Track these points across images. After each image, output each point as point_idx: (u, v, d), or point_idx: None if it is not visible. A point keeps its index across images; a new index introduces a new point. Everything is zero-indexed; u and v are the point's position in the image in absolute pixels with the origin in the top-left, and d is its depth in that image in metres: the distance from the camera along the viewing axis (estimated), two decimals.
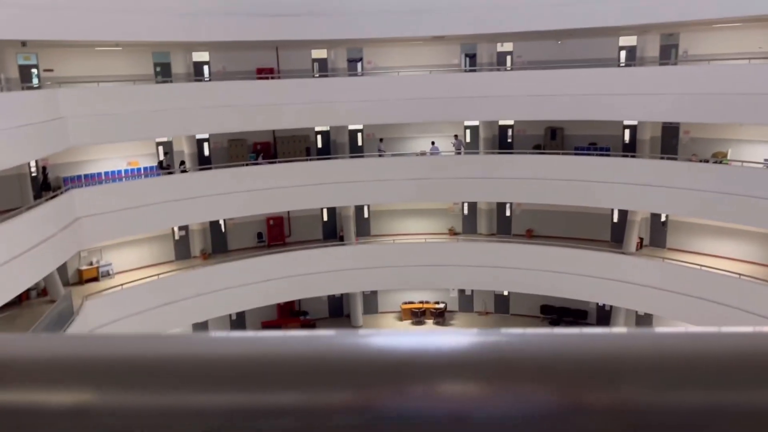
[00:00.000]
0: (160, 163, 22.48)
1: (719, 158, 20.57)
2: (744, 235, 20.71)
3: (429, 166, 22.88)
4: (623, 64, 22.23)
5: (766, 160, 19.35)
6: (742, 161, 19.54)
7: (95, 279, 20.76)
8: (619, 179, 20.52)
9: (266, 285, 21.82)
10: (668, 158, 21.12)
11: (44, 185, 19.74)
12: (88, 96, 19.12)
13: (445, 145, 24.29)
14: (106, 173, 21.05)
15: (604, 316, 23.71)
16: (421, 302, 25.54)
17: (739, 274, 18.64)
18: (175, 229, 22.94)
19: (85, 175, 20.47)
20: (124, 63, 21.54)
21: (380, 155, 23.73)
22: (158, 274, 20.56)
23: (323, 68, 23.97)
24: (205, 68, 23.03)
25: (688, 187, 19.23)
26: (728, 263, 20.24)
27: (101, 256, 21.36)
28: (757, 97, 17.57)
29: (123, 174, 21.49)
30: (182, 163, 22.33)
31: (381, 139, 24.24)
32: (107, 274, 21.03)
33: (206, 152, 23.44)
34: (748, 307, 17.88)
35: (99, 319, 18.30)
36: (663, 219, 22.61)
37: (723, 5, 17.87)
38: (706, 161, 20.47)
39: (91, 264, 20.99)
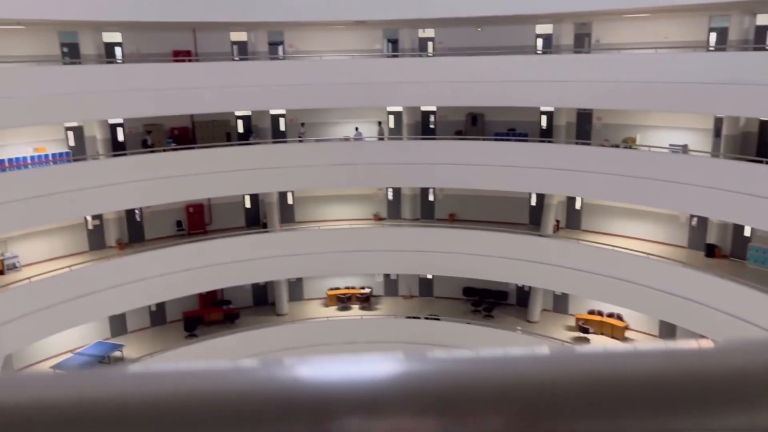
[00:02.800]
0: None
1: (629, 143, 21.55)
2: (651, 216, 21.87)
3: (353, 151, 22.81)
4: (540, 52, 22.85)
5: (670, 145, 20.43)
6: (650, 146, 20.55)
7: (0, 272, 19.56)
8: (537, 164, 21.16)
9: (187, 274, 21.24)
10: (582, 143, 21.95)
11: None
12: None
13: (370, 130, 24.29)
14: (10, 160, 19.80)
15: (523, 296, 24.51)
16: (347, 288, 25.57)
17: (648, 254, 19.66)
18: (89, 218, 21.93)
19: None
20: (27, 43, 20.25)
21: (301, 140, 23.47)
22: (71, 266, 19.59)
23: (243, 51, 23.38)
24: (117, 50, 21.98)
25: (600, 171, 20.05)
26: (637, 243, 21.34)
27: (6, 248, 20.15)
28: (663, 85, 18.49)
29: (29, 161, 20.28)
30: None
31: (302, 124, 23.98)
32: (14, 267, 19.88)
33: (120, 138, 22.45)
34: (656, 285, 18.92)
35: (5, 314, 17.28)
36: (578, 202, 23.52)
37: None
38: (617, 146, 21.39)
39: None
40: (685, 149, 20.20)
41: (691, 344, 0.57)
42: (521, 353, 0.53)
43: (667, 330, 21.70)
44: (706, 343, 0.58)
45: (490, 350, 0.54)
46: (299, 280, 25.62)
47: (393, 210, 25.61)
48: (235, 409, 0.49)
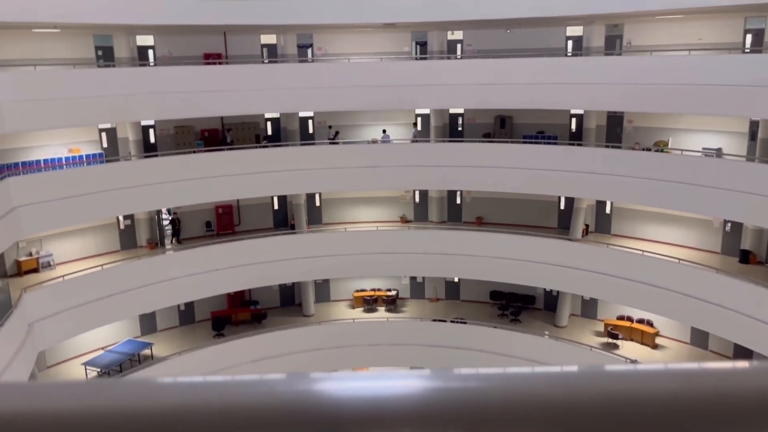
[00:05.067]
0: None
1: (660, 147, 21.20)
2: (684, 221, 21.46)
3: (380, 154, 22.85)
4: (570, 54, 22.61)
5: (704, 148, 20.04)
6: (682, 150, 20.18)
7: (35, 270, 20.03)
8: (566, 167, 20.93)
9: (215, 274, 21.48)
10: (613, 147, 21.64)
11: None
12: (25, 80, 18.34)
13: (397, 133, 24.32)
14: (46, 161, 20.26)
15: (551, 300, 24.25)
16: (373, 290, 25.61)
17: (679, 259, 19.30)
18: (120, 218, 22.33)
19: (23, 163, 19.65)
20: (63, 46, 20.72)
21: (332, 142, 23.59)
22: (102, 265, 19.97)
23: (272, 54, 23.59)
24: (150, 52, 22.36)
25: (631, 175, 19.76)
26: (669, 248, 20.96)
27: (41, 246, 20.62)
28: (696, 87, 18.15)
29: (64, 161, 20.73)
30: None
31: (330, 126, 24.12)
32: (48, 265, 20.32)
33: (152, 139, 22.82)
34: (688, 291, 18.55)
35: (39, 311, 17.68)
36: (608, 206, 23.20)
37: None
38: (648, 150, 21.06)
39: (30, 255, 20.24)
40: (719, 153, 19.79)
41: (717, 365, 0.56)
42: (544, 371, 0.52)
43: (700, 337, 21.27)
44: (734, 365, 0.57)
45: (513, 368, 0.53)
46: (326, 282, 25.72)
47: (420, 212, 25.57)
48: (251, 423, 0.49)
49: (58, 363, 21.07)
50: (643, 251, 20.17)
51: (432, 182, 23.21)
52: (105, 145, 21.96)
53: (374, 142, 23.60)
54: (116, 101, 19.32)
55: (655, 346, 21.55)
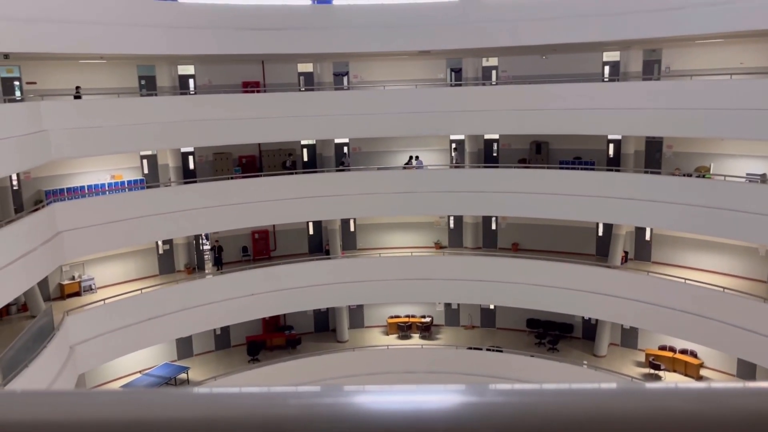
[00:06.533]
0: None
1: (702, 172, 20.75)
2: (727, 248, 20.86)
3: (415, 179, 22.88)
4: (607, 79, 22.42)
5: (748, 174, 19.54)
6: (725, 175, 19.71)
7: (77, 294, 20.50)
8: (604, 193, 20.62)
9: (251, 299, 21.65)
10: (652, 172, 21.28)
11: None
12: (71, 109, 18.97)
13: (431, 158, 24.36)
14: (89, 186, 20.86)
15: (589, 329, 23.72)
16: (408, 316, 25.45)
17: (723, 288, 18.72)
18: (159, 243, 22.74)
19: (68, 189, 20.27)
20: (108, 76, 21.43)
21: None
22: (141, 289, 20.32)
23: (309, 82, 23.99)
24: (191, 81, 22.96)
25: (671, 201, 19.34)
26: (712, 277, 20.37)
27: (83, 270, 21.11)
28: (739, 111, 17.77)
29: (106, 187, 21.31)
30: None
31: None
32: (89, 289, 20.78)
33: (191, 166, 23.30)
34: (732, 321, 17.95)
35: (80, 334, 18.04)
36: (648, 233, 22.72)
37: (704, 22, 18.09)
38: (689, 175, 20.62)
39: (72, 278, 20.74)
40: (763, 178, 19.27)
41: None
42: (582, 387, 0.52)
43: (746, 369, 20.50)
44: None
45: (548, 384, 0.52)
46: (360, 308, 25.68)
47: (454, 238, 25.44)
48: None
49: (97, 385, 21.40)
50: (685, 279, 19.64)
51: (467, 208, 23.10)
52: (146, 171, 22.50)
53: (409, 161, 23.67)
54: (158, 129, 19.83)
55: (699, 378, 20.83)
